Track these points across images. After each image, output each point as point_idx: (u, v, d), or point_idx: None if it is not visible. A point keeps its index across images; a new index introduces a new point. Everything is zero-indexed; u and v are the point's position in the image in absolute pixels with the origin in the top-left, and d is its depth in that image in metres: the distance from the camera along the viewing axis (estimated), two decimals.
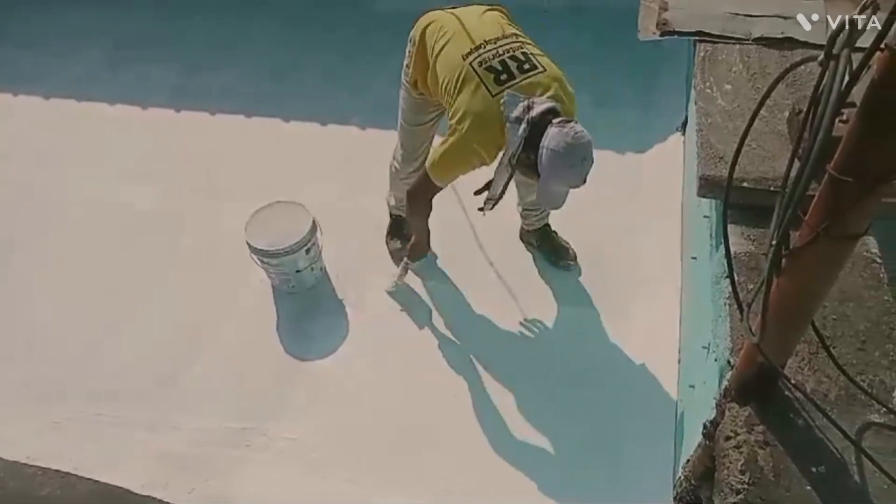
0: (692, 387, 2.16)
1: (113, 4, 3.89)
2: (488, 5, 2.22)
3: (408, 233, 2.68)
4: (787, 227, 1.09)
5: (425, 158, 2.25)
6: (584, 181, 1.93)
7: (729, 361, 1.53)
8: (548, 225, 2.75)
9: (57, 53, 3.67)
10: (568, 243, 2.77)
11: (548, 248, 2.77)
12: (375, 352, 2.55)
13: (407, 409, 2.41)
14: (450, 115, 2.06)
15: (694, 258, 2.43)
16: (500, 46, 2.03)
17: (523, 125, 1.90)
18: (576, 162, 1.87)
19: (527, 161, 1.95)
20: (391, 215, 2.80)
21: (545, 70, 2.01)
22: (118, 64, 3.62)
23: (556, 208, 2.11)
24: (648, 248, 2.76)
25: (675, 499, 1.88)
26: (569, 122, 1.89)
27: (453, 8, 2.24)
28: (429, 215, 2.35)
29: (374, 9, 3.75)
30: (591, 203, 2.85)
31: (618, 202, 2.90)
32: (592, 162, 1.92)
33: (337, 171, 3.07)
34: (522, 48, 2.04)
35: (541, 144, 1.88)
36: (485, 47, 2.02)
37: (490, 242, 2.81)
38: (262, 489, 2.24)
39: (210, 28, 3.75)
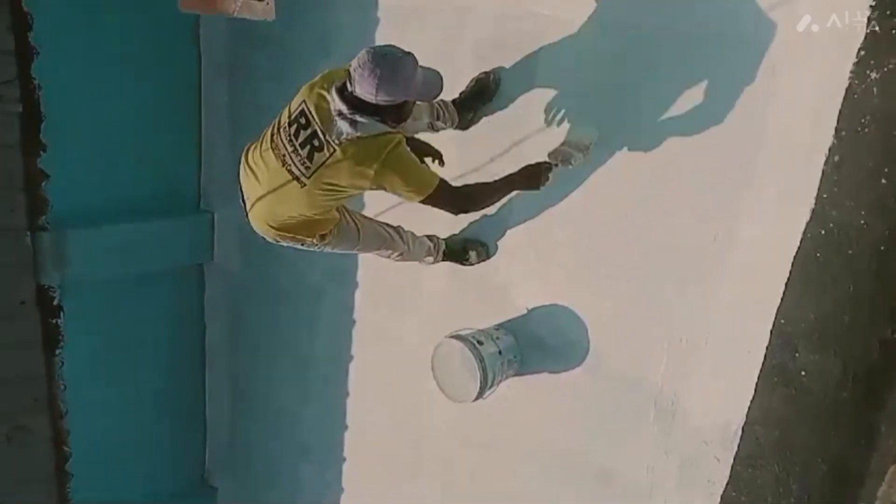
0: None
1: None
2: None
3: (469, 247, 2.75)
4: None
5: (381, 230, 2.48)
6: (411, 53, 1.95)
7: None
8: (456, 99, 2.64)
9: None
10: (473, 78, 2.64)
11: (479, 100, 2.65)
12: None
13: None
14: (366, 180, 2.07)
15: None
16: (289, 153, 2.05)
17: (357, 118, 1.93)
18: (389, 60, 1.88)
19: (392, 113, 1.97)
20: (445, 259, 2.80)
21: (303, 101, 2.03)
22: None
23: (440, 90, 2.09)
24: None
25: None
26: (349, 74, 1.91)
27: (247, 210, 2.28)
28: (482, 187, 2.30)
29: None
30: None
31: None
32: (393, 46, 1.96)
33: (399, 314, 3.13)
34: (281, 134, 2.07)
35: (372, 100, 1.89)
36: (292, 165, 2.05)
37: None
38: None
39: None
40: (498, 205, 2.70)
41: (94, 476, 3.48)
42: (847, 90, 1.89)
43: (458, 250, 2.79)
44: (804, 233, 2.02)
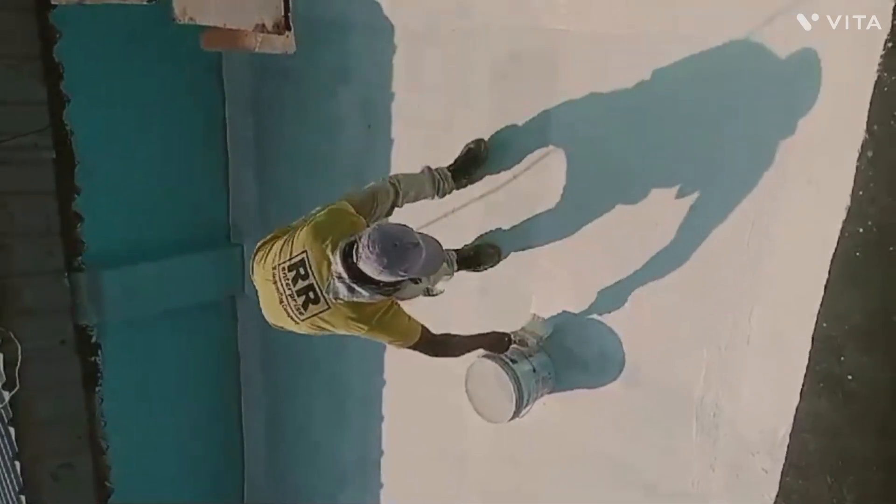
0: None
1: None
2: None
3: (481, 251, 2.78)
4: None
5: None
6: (419, 243, 1.97)
7: None
8: (451, 166, 2.70)
9: None
10: (465, 146, 2.74)
11: (471, 167, 2.73)
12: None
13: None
14: (357, 332, 2.16)
15: None
16: (286, 295, 2.09)
17: (355, 286, 1.96)
18: (398, 249, 1.91)
19: (388, 287, 2.02)
20: (459, 267, 2.77)
21: (304, 250, 2.06)
22: None
23: (436, 270, 2.22)
24: None
25: None
26: (357, 247, 1.93)
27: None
28: (457, 338, 2.44)
29: None
30: None
31: None
32: (405, 233, 1.96)
33: None
34: (280, 273, 2.10)
35: (374, 277, 1.93)
36: (287, 306, 2.10)
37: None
38: None
39: None
40: (523, 219, 2.72)
41: None
42: (876, 83, 1.85)
43: (471, 256, 2.82)
44: (841, 231, 1.96)
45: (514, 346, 2.67)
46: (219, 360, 4.00)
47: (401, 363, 3.30)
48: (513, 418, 2.55)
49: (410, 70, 2.97)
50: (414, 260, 1.95)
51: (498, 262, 2.80)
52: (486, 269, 2.82)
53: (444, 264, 2.66)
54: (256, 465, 4.15)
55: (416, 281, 2.16)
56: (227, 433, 4.10)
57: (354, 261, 1.93)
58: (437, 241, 2.09)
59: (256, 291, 2.29)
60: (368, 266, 1.91)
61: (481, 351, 2.64)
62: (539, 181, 2.66)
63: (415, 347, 2.28)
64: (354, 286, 1.97)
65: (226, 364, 4.02)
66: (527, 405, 2.56)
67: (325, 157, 3.36)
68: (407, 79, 2.99)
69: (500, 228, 2.80)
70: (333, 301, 2.04)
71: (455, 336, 2.45)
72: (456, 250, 2.81)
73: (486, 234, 2.83)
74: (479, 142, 2.74)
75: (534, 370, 2.58)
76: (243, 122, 3.72)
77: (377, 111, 3.10)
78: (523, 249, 2.74)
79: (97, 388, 3.28)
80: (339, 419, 3.63)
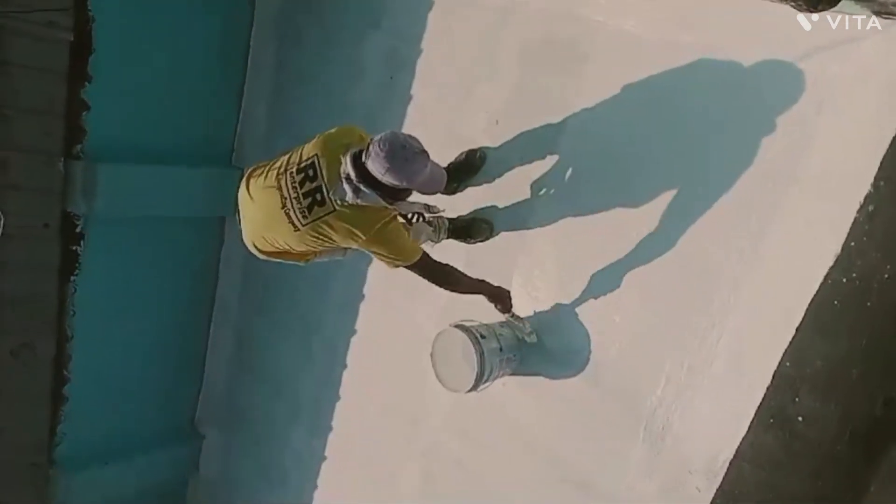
0: None
1: None
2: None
3: (474, 225, 2.78)
4: None
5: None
6: (426, 152, 2.06)
7: None
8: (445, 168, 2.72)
9: None
10: (462, 153, 2.77)
11: (464, 173, 2.77)
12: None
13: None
14: (354, 242, 2.19)
15: None
16: (291, 199, 2.12)
17: (361, 187, 2.04)
18: (406, 151, 2.00)
19: (392, 192, 2.09)
20: (450, 236, 2.81)
21: (316, 154, 2.12)
22: None
23: (439, 190, 2.36)
24: None
25: None
26: (368, 147, 2.01)
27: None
28: (458, 273, 2.45)
29: None
30: None
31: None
32: (415, 140, 2.05)
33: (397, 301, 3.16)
34: (287, 178, 2.13)
35: (379, 178, 2.01)
36: (291, 211, 2.13)
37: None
38: None
39: None
40: (519, 201, 2.73)
41: (88, 404, 3.58)
42: (892, 140, 1.85)
43: (463, 228, 2.83)
44: (825, 278, 1.98)
45: (477, 330, 2.60)
46: (197, 277, 4.01)
47: (376, 318, 3.33)
48: (470, 391, 2.58)
49: (443, 30, 2.94)
50: (419, 166, 2.04)
51: (489, 237, 2.81)
52: (476, 242, 2.83)
53: (430, 229, 2.68)
54: (214, 386, 4.19)
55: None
56: (191, 349, 4.14)
57: (364, 160, 2.01)
58: (444, 170, 2.21)
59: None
60: (376, 164, 1.99)
61: (456, 319, 2.67)
62: (543, 167, 2.66)
63: (415, 267, 2.30)
64: (360, 186, 2.04)
65: (203, 282, 4.04)
66: (486, 381, 2.60)
67: (341, 100, 3.33)
68: (438, 38, 2.96)
69: (495, 206, 2.80)
70: (339, 204, 2.09)
71: (459, 272, 2.46)
72: (450, 219, 2.83)
73: (482, 208, 2.84)
74: (475, 150, 2.77)
75: (500, 349, 2.61)
76: (266, 49, 3.68)
77: (402, 64, 3.07)
78: (514, 230, 2.75)
79: (72, 277, 3.29)
80: (303, 358, 3.67)
